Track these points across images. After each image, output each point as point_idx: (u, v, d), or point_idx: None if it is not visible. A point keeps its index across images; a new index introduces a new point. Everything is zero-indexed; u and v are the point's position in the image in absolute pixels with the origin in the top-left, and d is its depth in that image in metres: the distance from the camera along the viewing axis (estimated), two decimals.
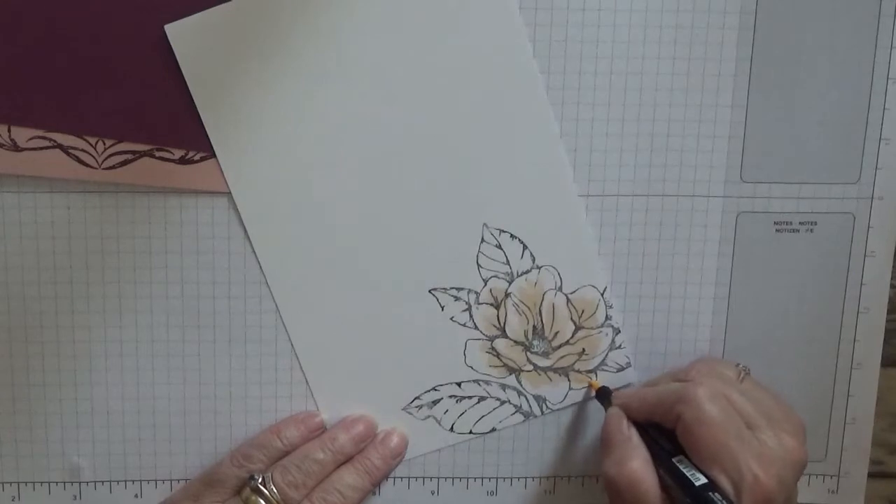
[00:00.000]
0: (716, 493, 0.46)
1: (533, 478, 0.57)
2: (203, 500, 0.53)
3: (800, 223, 0.55)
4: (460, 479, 0.57)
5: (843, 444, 0.58)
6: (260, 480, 0.52)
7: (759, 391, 0.52)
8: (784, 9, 0.53)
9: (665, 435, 0.50)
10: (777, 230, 0.55)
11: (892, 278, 0.56)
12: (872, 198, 0.55)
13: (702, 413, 0.48)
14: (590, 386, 0.56)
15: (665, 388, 0.52)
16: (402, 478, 0.57)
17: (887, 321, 0.57)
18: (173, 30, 0.50)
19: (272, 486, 0.52)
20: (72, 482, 0.56)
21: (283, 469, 0.53)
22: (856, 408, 0.58)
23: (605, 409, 0.54)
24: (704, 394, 0.49)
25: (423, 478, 0.57)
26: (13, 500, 0.56)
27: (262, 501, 0.52)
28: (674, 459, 0.49)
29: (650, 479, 0.49)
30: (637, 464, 0.49)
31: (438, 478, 0.57)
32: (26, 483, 0.56)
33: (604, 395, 0.55)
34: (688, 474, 0.48)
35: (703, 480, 0.47)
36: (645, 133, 0.54)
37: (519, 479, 0.57)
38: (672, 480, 0.48)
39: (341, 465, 0.54)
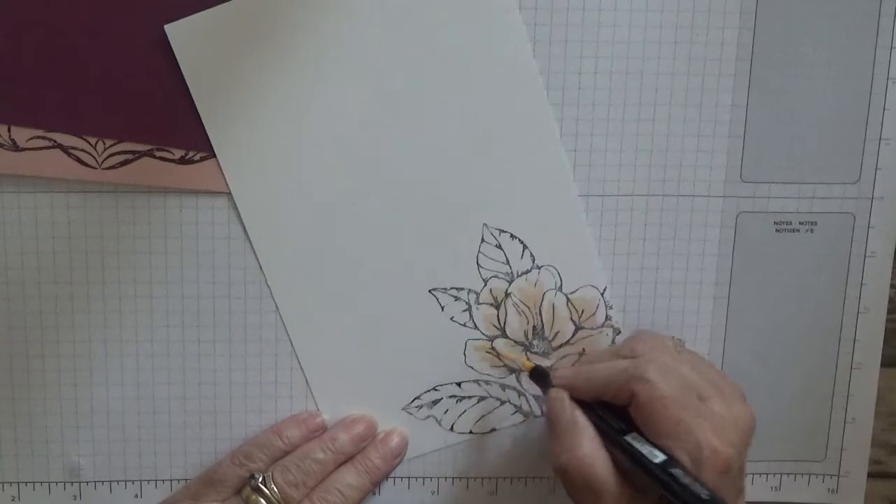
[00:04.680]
0: (677, 469, 0.46)
1: (533, 478, 0.57)
2: (203, 500, 0.53)
3: (800, 223, 0.55)
4: (460, 479, 0.57)
5: (843, 444, 0.58)
6: (260, 479, 0.52)
7: (701, 361, 0.52)
8: (784, 8, 0.53)
9: (611, 411, 0.49)
10: (777, 230, 0.55)
11: (892, 278, 0.56)
12: (872, 198, 0.55)
13: (658, 390, 0.47)
14: (521, 366, 0.55)
15: (612, 365, 0.50)
16: (402, 478, 0.57)
17: (887, 321, 0.57)
18: (173, 30, 0.50)
19: (272, 486, 0.52)
20: (72, 482, 0.56)
21: (284, 468, 0.53)
22: (856, 408, 0.58)
23: (544, 392, 0.52)
24: (657, 370, 0.48)
25: (423, 478, 0.57)
26: (13, 500, 0.56)
27: (262, 501, 0.52)
28: (627, 437, 0.48)
29: (603, 462, 0.48)
30: (588, 448, 0.48)
31: (438, 478, 0.57)
32: (26, 483, 0.56)
33: (540, 375, 0.53)
34: (644, 452, 0.47)
35: (662, 457, 0.46)
36: (645, 133, 0.54)
37: (519, 479, 0.57)
38: (628, 460, 0.47)
39: (341, 465, 0.54)
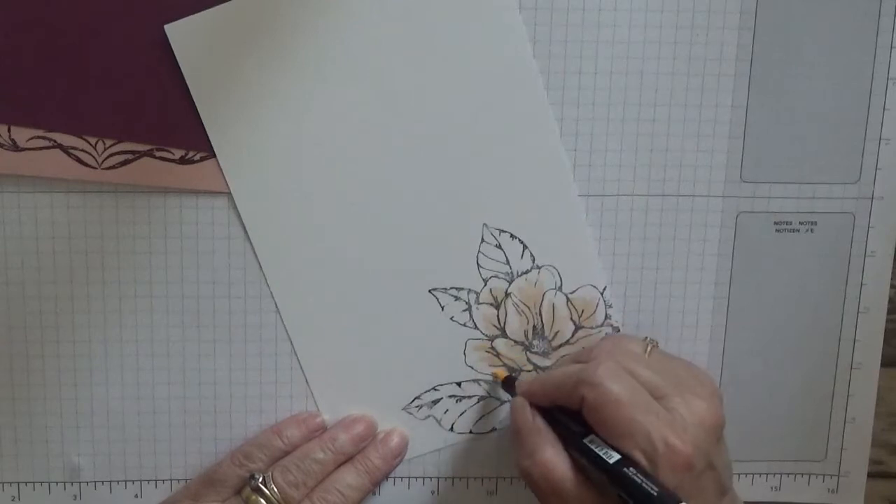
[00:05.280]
0: (630, 468, 0.46)
1: None
2: (203, 500, 0.53)
3: (800, 223, 0.55)
4: (460, 479, 0.57)
5: (843, 444, 0.58)
6: (260, 480, 0.52)
7: (666, 361, 0.52)
8: (784, 8, 0.53)
9: (573, 416, 0.50)
10: (777, 230, 0.55)
11: (892, 278, 0.56)
12: (872, 198, 0.55)
13: (604, 392, 0.48)
14: (494, 377, 0.56)
15: (565, 370, 0.51)
16: (402, 478, 0.57)
17: (887, 321, 0.57)
18: (173, 30, 0.50)
19: (272, 486, 0.52)
20: (72, 482, 0.56)
21: (284, 469, 0.53)
22: (856, 408, 0.58)
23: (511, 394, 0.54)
24: (605, 372, 0.48)
25: (423, 478, 0.57)
26: (13, 500, 0.56)
27: (262, 501, 0.52)
28: (585, 440, 0.48)
29: (563, 465, 0.48)
30: (548, 453, 0.49)
31: (438, 478, 0.57)
32: (26, 483, 0.56)
33: (510, 384, 0.54)
34: (600, 453, 0.47)
35: (617, 457, 0.47)
36: (645, 133, 0.54)
37: (519, 479, 0.57)
38: (586, 461, 0.48)
39: (341, 465, 0.54)
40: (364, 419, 0.55)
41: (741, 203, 0.55)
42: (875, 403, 0.58)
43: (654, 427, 0.47)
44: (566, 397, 0.50)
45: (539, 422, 0.50)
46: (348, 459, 0.54)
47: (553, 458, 0.48)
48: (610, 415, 0.47)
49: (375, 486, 0.55)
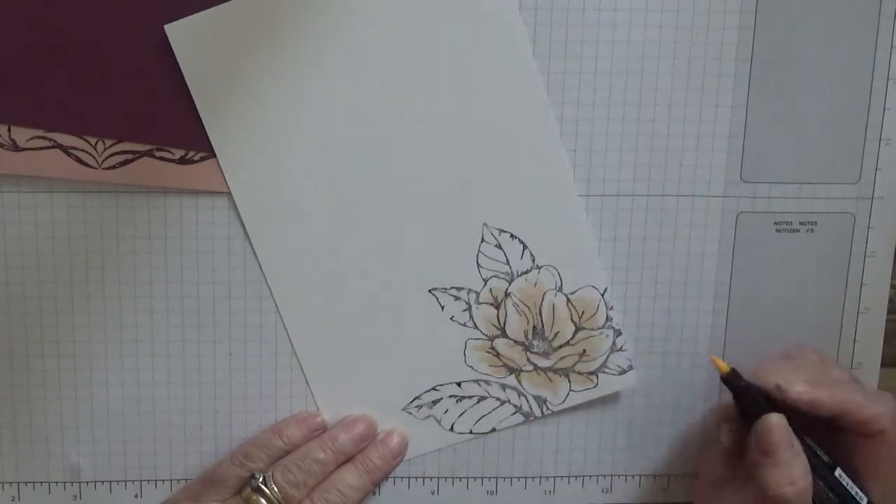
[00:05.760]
0: None
1: (533, 478, 0.57)
2: (204, 500, 0.53)
3: (800, 223, 0.55)
4: (460, 479, 0.57)
5: None
6: (261, 479, 0.52)
7: None
8: (784, 8, 0.53)
9: (816, 441, 0.50)
10: (777, 230, 0.55)
11: (892, 278, 0.56)
12: (872, 198, 0.55)
13: None
14: (717, 366, 0.52)
15: (864, 398, 0.50)
16: (402, 478, 0.57)
17: (887, 321, 0.57)
18: (173, 30, 0.50)
19: (273, 486, 0.52)
20: (72, 482, 0.56)
21: (284, 468, 0.53)
22: None
23: (739, 399, 0.51)
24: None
25: (423, 478, 0.57)
26: (13, 500, 0.56)
27: (262, 501, 0.52)
28: (836, 473, 0.48)
29: (811, 494, 0.48)
30: (806, 481, 0.48)
31: (438, 478, 0.57)
32: (26, 483, 0.56)
33: (736, 379, 0.51)
34: (852, 492, 0.47)
35: (866, 500, 0.47)
36: (645, 133, 0.54)
37: (519, 479, 0.57)
38: (832, 494, 0.48)
39: (342, 465, 0.54)
40: (364, 419, 0.55)
41: (741, 203, 0.55)
42: None
43: None
44: (856, 421, 0.49)
45: (798, 445, 0.49)
46: (348, 459, 0.54)
47: (808, 486, 0.48)
48: (891, 456, 0.47)
49: (376, 485, 0.55)
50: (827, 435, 0.51)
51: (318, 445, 0.54)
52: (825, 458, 0.49)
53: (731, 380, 0.52)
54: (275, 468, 0.53)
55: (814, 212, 0.55)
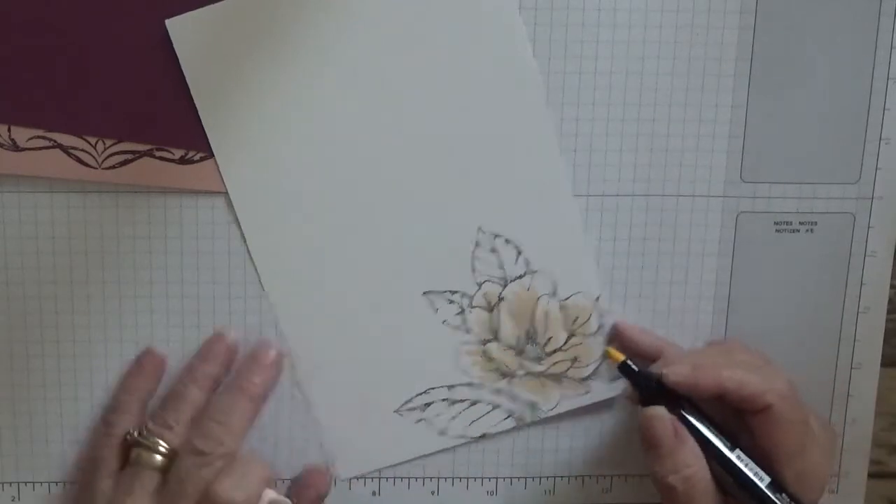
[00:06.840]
0: (782, 494, 0.46)
1: (533, 478, 0.57)
2: (100, 482, 0.51)
3: (800, 223, 0.55)
4: (460, 479, 0.57)
5: (843, 444, 0.58)
6: (137, 433, 0.51)
7: None
8: (784, 8, 0.53)
9: (709, 420, 0.49)
10: (777, 230, 0.55)
11: (892, 278, 0.56)
12: (872, 198, 0.55)
13: (794, 409, 0.47)
14: (609, 357, 0.53)
15: (745, 375, 0.49)
16: (402, 478, 0.57)
17: (887, 321, 0.57)
18: (174, 25, 0.50)
19: (149, 436, 0.50)
20: (72, 482, 0.56)
21: (153, 415, 0.51)
22: (856, 408, 0.58)
23: (636, 387, 0.51)
24: (791, 387, 0.48)
25: (423, 478, 0.57)
26: (13, 500, 0.56)
27: (145, 453, 0.50)
28: (732, 455, 0.48)
29: (706, 479, 0.48)
30: (695, 468, 0.48)
31: (438, 478, 0.57)
32: (26, 483, 0.56)
33: (628, 371, 0.52)
34: (750, 473, 0.47)
35: (768, 479, 0.47)
36: (645, 133, 0.54)
37: (519, 479, 0.57)
38: (732, 479, 0.48)
39: (217, 392, 0.52)
40: (220, 339, 0.53)
41: (741, 203, 0.55)
42: (875, 403, 0.58)
43: (812, 453, 0.47)
44: (747, 401, 0.48)
45: (683, 433, 0.49)
46: (220, 385, 0.52)
47: (699, 471, 0.47)
48: (788, 433, 0.47)
49: (258, 405, 0.52)
50: (733, 418, 0.50)
51: (178, 382, 0.52)
52: (722, 440, 0.48)
53: (626, 369, 0.52)
54: (147, 420, 0.51)
55: (814, 212, 0.55)
